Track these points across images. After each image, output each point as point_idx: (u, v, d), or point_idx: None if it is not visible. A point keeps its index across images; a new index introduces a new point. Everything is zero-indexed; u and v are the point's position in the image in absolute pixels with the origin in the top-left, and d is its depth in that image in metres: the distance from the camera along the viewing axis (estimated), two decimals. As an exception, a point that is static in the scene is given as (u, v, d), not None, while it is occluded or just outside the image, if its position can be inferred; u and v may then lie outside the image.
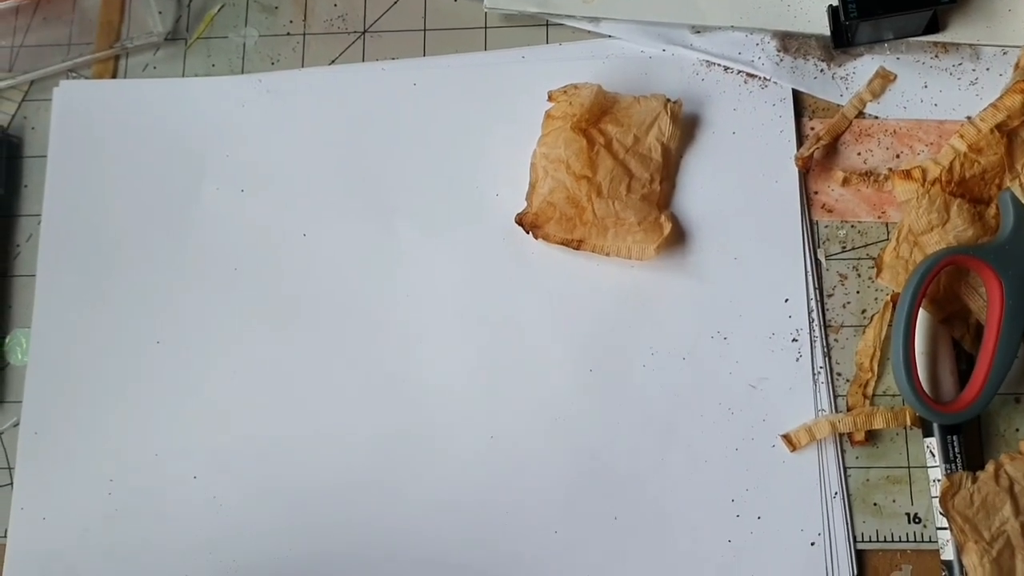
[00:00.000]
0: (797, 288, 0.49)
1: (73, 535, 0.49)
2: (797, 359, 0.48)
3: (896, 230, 0.48)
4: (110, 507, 0.49)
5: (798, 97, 0.51)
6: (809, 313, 0.48)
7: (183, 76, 0.55)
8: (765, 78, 0.51)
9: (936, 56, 0.51)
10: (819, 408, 0.47)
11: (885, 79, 0.51)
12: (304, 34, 0.55)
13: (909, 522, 0.46)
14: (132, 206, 0.53)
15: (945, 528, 0.45)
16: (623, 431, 0.48)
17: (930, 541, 0.46)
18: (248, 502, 0.48)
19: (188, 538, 0.48)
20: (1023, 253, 0.45)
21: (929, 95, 0.50)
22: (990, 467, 0.45)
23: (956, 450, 0.45)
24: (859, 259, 0.49)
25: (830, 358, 0.48)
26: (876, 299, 0.49)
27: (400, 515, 0.48)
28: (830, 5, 0.51)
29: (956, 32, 0.51)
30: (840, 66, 0.51)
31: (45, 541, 0.49)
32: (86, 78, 0.55)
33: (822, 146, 0.50)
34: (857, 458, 0.47)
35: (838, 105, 0.51)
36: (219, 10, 0.56)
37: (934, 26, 0.50)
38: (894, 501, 0.47)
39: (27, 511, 0.49)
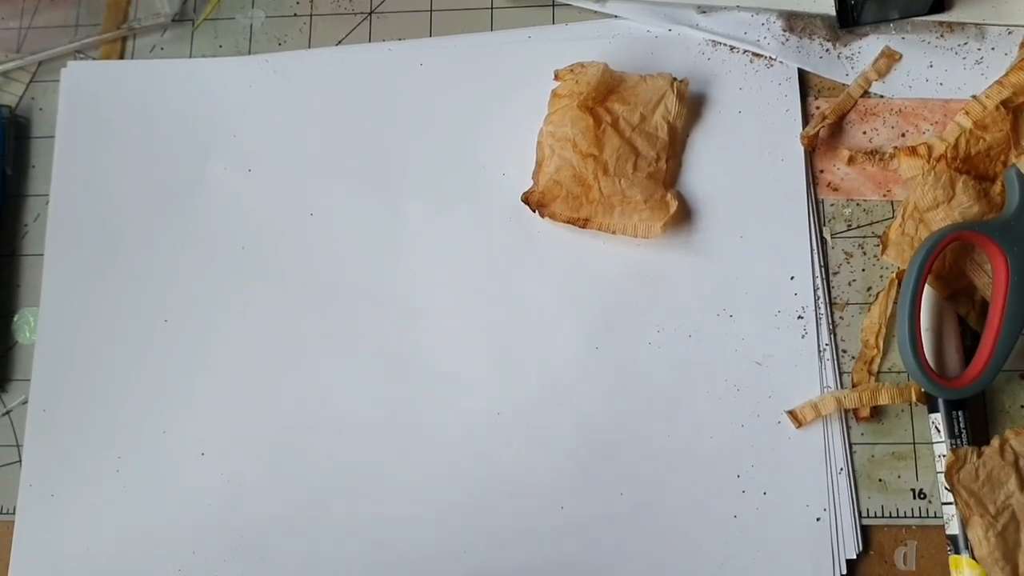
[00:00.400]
0: (803, 266, 0.49)
1: (82, 512, 0.49)
2: (803, 336, 0.48)
3: (901, 207, 0.48)
4: (118, 484, 0.49)
5: (804, 76, 0.51)
6: (815, 291, 0.49)
7: (190, 57, 0.55)
8: (771, 57, 0.51)
9: (941, 35, 0.51)
10: (824, 385, 0.48)
11: (890, 58, 0.51)
12: (311, 15, 0.55)
13: (914, 498, 0.47)
14: (139, 186, 0.53)
15: (950, 503, 0.45)
16: (629, 408, 0.48)
17: (935, 517, 0.46)
18: (256, 478, 0.49)
19: (196, 514, 0.48)
20: (1028, 229, 0.45)
21: (934, 74, 0.51)
22: (995, 442, 0.45)
23: (961, 425, 0.45)
24: (864, 237, 0.49)
25: (836, 335, 0.48)
26: (882, 276, 0.49)
27: (407, 489, 0.48)
28: (835, -15, 0.51)
29: (961, 12, 0.51)
30: (846, 46, 0.51)
31: (53, 518, 0.49)
32: (94, 59, 0.56)
33: (827, 125, 0.50)
34: (862, 434, 0.47)
35: (844, 84, 0.51)
36: (226, -9, 0.56)
37: (939, 6, 0.51)
38: (899, 477, 0.47)
39: (35, 488, 0.50)
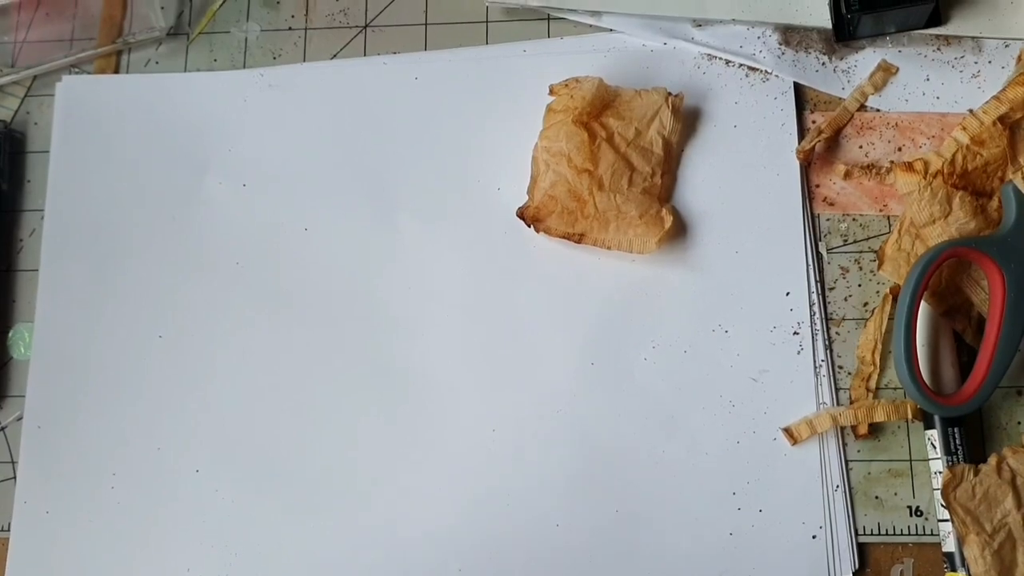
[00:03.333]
0: (798, 281, 0.49)
1: (76, 529, 0.49)
2: (798, 352, 0.48)
3: (898, 223, 0.48)
4: (113, 501, 0.49)
5: (799, 90, 0.51)
6: (810, 306, 0.48)
7: (185, 71, 0.55)
8: (766, 71, 0.51)
9: (938, 49, 0.51)
10: (820, 401, 0.47)
11: (887, 72, 0.51)
12: (306, 28, 0.55)
13: (911, 515, 0.46)
14: (134, 201, 0.53)
15: (947, 520, 0.45)
16: (624, 424, 0.48)
17: (932, 534, 0.46)
18: (250, 495, 0.49)
19: (191, 531, 0.48)
20: (1025, 246, 0.45)
21: (931, 88, 0.50)
22: (992, 459, 0.45)
23: (957, 442, 0.45)
24: (861, 252, 0.49)
25: (831, 351, 0.48)
26: (878, 292, 0.49)
27: (402, 505, 0.48)
28: (832, -2, 0.51)
29: (958, 25, 0.50)
30: (842, 59, 0.51)
31: (48, 535, 0.49)
32: (88, 73, 0.56)
33: (823, 139, 0.50)
34: (859, 451, 0.47)
35: (840, 98, 0.51)
36: (221, 5, 0.56)
37: (936, 19, 0.50)
38: (896, 494, 0.47)
39: (30, 505, 0.49)
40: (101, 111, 0.54)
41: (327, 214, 0.52)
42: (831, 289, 0.49)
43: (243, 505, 0.48)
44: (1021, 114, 0.47)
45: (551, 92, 0.50)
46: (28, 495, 0.50)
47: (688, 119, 0.51)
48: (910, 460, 0.47)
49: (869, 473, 0.47)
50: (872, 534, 0.46)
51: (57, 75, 0.55)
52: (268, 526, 0.48)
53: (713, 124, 0.51)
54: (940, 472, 0.45)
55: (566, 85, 0.50)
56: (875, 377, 0.48)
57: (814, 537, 0.46)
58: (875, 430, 0.47)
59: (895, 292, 0.48)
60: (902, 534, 0.46)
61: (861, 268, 0.49)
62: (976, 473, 0.44)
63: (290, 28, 0.55)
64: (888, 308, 0.48)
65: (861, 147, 0.50)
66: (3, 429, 0.52)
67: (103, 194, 0.53)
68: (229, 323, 0.51)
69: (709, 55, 0.52)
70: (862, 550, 0.46)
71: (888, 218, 0.49)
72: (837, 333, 0.48)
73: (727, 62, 0.51)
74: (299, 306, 0.51)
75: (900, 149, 0.50)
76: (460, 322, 0.50)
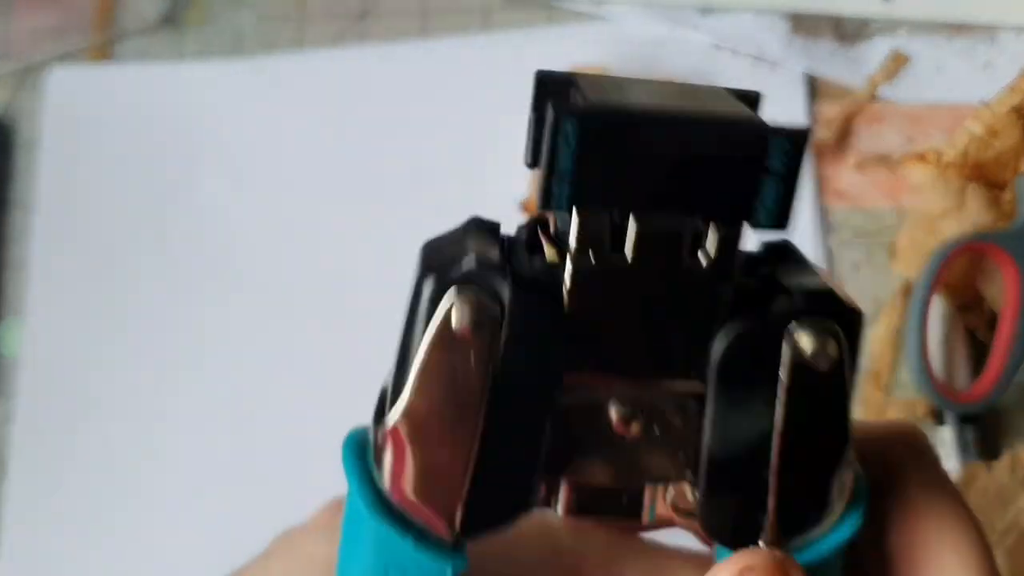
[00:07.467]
0: (808, 276, 0.48)
1: (68, 533, 0.48)
2: (808, 348, 0.47)
3: (910, 215, 0.47)
4: (105, 503, 0.48)
5: (809, 80, 0.50)
6: (820, 301, 0.47)
7: (179, 60, 0.54)
8: (775, 61, 0.50)
9: (950, 38, 0.50)
10: (830, 398, 0.46)
11: (898, 62, 0.50)
12: (303, 17, 0.54)
13: (922, 514, 0.45)
14: (127, 192, 0.52)
15: (960, 520, 0.44)
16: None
17: (944, 533, 0.45)
18: (246, 496, 0.48)
19: (186, 536, 0.47)
20: (1040, 239, 0.44)
21: (943, 78, 0.49)
22: (1006, 458, 0.44)
23: (970, 440, 0.44)
24: (872, 246, 0.48)
25: (842, 347, 0.47)
26: (890, 287, 0.48)
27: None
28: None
29: (971, 13, 0.49)
30: (853, 48, 0.50)
31: (40, 539, 0.48)
32: (80, 63, 0.54)
33: (835, 130, 0.49)
34: (869, 449, 0.46)
35: (851, 89, 0.50)
36: (216, -7, 0.55)
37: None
38: (907, 493, 0.46)
39: (21, 509, 0.48)
40: (92, 101, 0.53)
41: (323, 204, 0.51)
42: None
43: (239, 508, 0.47)
44: (1036, 104, 0.46)
45: (554, 82, 0.49)
46: (19, 498, 0.48)
47: (694, 110, 0.50)
48: (922, 458, 0.46)
49: (880, 471, 0.46)
50: (883, 534, 0.45)
51: (48, 65, 0.54)
52: (264, 530, 0.47)
53: (720, 115, 0.50)
54: (953, 470, 0.44)
55: (570, 75, 0.49)
56: (886, 374, 0.47)
57: (824, 537, 0.45)
58: (886, 428, 0.46)
59: (909, 287, 0.47)
60: (914, 534, 0.45)
61: (873, 262, 0.48)
62: (989, 471, 0.43)
63: (286, 17, 0.54)
64: (901, 303, 0.47)
65: (872, 138, 0.49)
66: (-6, 428, 0.51)
67: (95, 185, 0.52)
68: (224, 317, 0.50)
69: (716, 44, 0.50)
70: (873, 550, 0.45)
71: (901, 211, 0.48)
72: (847, 328, 0.47)
73: (734, 52, 0.50)
74: (296, 299, 0.50)
75: (912, 140, 0.49)
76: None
